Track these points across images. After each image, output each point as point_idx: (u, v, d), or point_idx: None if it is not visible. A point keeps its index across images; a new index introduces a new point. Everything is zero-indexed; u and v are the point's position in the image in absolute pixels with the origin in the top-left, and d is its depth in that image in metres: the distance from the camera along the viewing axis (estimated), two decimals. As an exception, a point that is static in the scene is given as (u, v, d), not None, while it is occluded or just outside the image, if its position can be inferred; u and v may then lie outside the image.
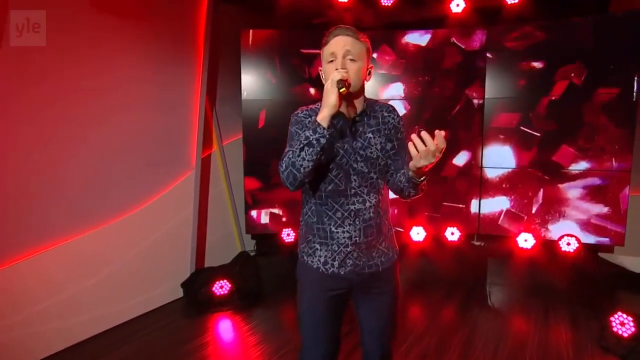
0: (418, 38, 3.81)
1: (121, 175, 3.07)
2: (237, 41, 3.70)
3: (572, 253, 3.52)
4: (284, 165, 1.39)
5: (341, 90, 1.33)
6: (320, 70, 1.55)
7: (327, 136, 1.35)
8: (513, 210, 3.72)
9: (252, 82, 3.74)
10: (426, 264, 3.92)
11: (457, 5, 3.80)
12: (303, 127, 1.48)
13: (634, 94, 3.32)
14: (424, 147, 1.29)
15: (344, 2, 3.82)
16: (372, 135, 1.52)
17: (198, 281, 3.46)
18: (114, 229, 3.03)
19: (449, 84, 3.78)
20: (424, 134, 1.29)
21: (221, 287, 3.39)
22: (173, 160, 3.46)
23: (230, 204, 4.13)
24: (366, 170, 1.50)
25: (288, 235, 3.89)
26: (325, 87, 1.37)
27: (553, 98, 3.53)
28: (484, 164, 3.76)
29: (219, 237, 4.04)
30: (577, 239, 3.50)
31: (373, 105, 1.58)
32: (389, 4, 3.87)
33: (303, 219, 1.63)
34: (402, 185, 1.52)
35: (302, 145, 1.35)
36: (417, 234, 3.92)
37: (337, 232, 1.52)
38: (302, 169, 1.36)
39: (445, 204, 3.89)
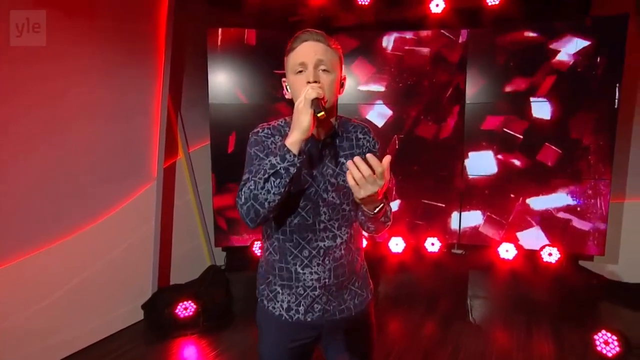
0: (399, 40, 3.62)
1: (73, 189, 2.76)
2: (205, 41, 3.43)
3: (554, 264, 3.42)
4: (243, 197, 1.18)
5: (319, 115, 1.13)
6: (284, 82, 1.32)
7: (298, 164, 1.15)
8: (494, 217, 3.58)
9: (220, 84, 3.48)
10: (406, 277, 3.75)
11: (437, 5, 3.63)
12: (265, 150, 1.28)
13: (616, 101, 3.25)
14: (359, 175, 1.09)
15: (319, 0, 3.60)
16: (344, 161, 1.31)
17: (160, 302, 3.19)
18: (66, 247, 2.73)
19: (430, 87, 3.61)
20: (357, 159, 1.09)
21: (185, 308, 3.13)
22: (131, 170, 3.17)
23: (198, 214, 3.86)
24: (338, 202, 1.31)
25: (260, 247, 3.66)
26: (296, 105, 1.17)
27: (535, 101, 3.41)
28: (468, 171, 3.61)
29: (187, 251, 3.77)
30: (559, 249, 3.40)
31: (346, 125, 1.38)
32: (366, 3, 3.66)
33: (264, 256, 1.42)
34: (360, 218, 1.33)
35: (266, 175, 1.15)
36: (396, 244, 3.74)
37: (304, 274, 1.31)
38: (266, 203, 1.16)
39: (421, 221, 3.73)
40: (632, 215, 3.54)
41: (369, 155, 1.08)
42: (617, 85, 3.23)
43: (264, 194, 1.14)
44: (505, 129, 3.50)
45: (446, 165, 3.63)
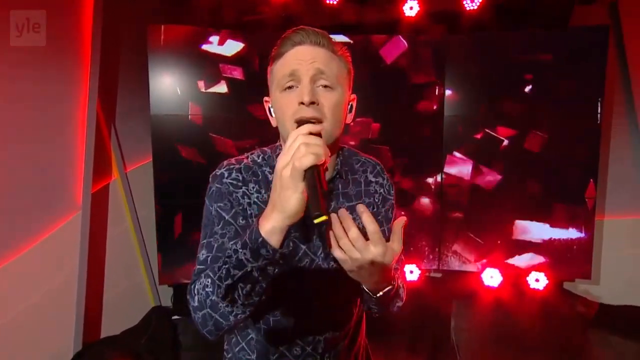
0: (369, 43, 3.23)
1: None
2: (145, 40, 2.85)
3: (541, 291, 3.16)
4: (196, 299, 0.83)
5: (316, 220, 0.71)
6: (267, 103, 0.98)
7: (280, 261, 0.79)
8: (475, 238, 3.26)
9: (163, 91, 2.91)
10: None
11: (411, 8, 3.30)
12: (234, 208, 0.91)
13: (598, 115, 3.08)
14: (341, 235, 0.80)
15: (281, -3, 3.15)
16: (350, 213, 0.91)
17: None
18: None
19: (404, 98, 3.24)
20: (342, 212, 0.81)
21: (121, 371, 2.51)
22: (49, 200, 2.51)
23: (138, 245, 3.22)
24: (342, 274, 0.89)
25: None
26: (278, 170, 0.75)
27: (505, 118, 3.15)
28: (445, 182, 3.26)
29: (124, 290, 3.11)
30: (547, 274, 3.15)
31: (351, 162, 1.05)
32: (334, 3, 3.26)
33: (230, 351, 1.03)
34: (362, 296, 0.97)
35: (230, 278, 0.77)
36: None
37: None
38: (231, 317, 0.81)
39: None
40: (613, 234, 3.38)
41: (359, 206, 0.80)
42: (599, 99, 3.07)
43: (227, 305, 0.79)
44: (481, 144, 3.20)
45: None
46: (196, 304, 0.82)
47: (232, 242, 0.81)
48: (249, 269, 0.76)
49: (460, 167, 3.24)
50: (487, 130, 3.18)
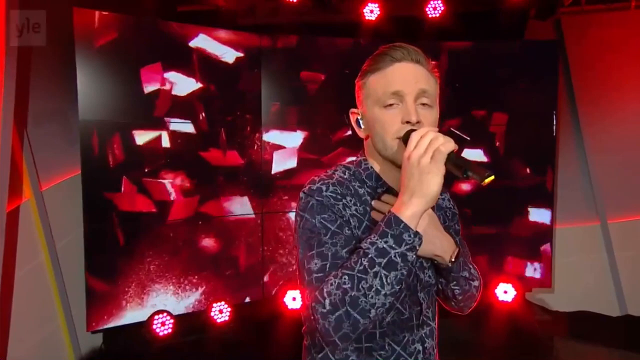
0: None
1: None
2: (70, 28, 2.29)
3: (510, 303, 3.12)
4: (328, 302, 0.83)
5: (486, 181, 0.80)
6: (355, 115, 1.03)
7: (418, 247, 0.86)
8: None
9: (93, 93, 2.37)
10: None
11: (372, 11, 3.13)
12: (338, 220, 0.92)
13: (554, 127, 3.19)
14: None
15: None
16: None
17: None
18: None
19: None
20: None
21: None
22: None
23: (56, 284, 2.54)
24: (433, 282, 1.03)
25: (162, 325, 2.57)
26: (416, 160, 0.84)
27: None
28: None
29: (35, 345, 2.43)
30: (515, 286, 3.12)
31: None
32: (294, 0, 2.97)
33: None
34: (442, 290, 1.05)
35: (374, 266, 0.82)
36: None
37: None
38: (372, 310, 0.82)
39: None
40: (563, 241, 3.48)
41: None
42: (554, 112, 3.18)
43: (370, 297, 0.82)
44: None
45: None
46: (328, 307, 0.83)
47: (362, 242, 0.86)
48: (392, 255, 0.82)
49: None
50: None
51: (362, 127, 1.00)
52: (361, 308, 0.81)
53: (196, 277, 2.72)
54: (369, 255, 0.82)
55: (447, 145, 0.82)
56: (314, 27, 3.11)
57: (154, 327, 2.55)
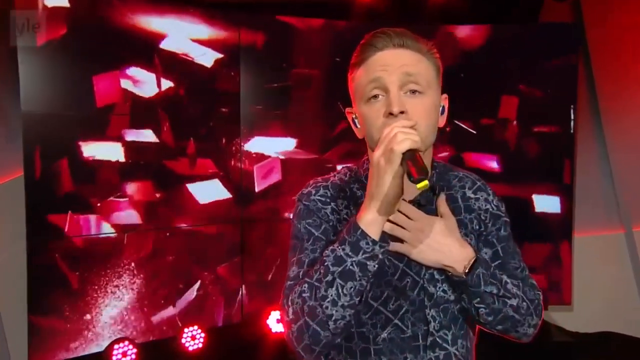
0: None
1: None
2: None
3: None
4: (291, 310, 0.83)
5: (418, 185, 0.74)
6: (350, 114, 0.96)
7: (380, 255, 0.82)
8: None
9: (38, 81, 2.12)
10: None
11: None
12: (323, 224, 0.91)
13: (571, 122, 2.89)
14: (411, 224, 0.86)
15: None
16: None
17: None
18: None
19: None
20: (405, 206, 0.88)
21: None
22: None
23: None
24: (452, 298, 0.90)
25: (124, 355, 2.25)
26: (375, 160, 0.80)
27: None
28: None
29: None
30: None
31: (447, 177, 1.00)
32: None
33: None
34: (475, 314, 0.89)
35: (329, 275, 0.80)
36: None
37: None
38: (330, 322, 0.79)
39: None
40: (582, 252, 3.13)
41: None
42: (572, 106, 2.89)
43: (325, 307, 0.79)
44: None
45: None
46: (291, 316, 0.83)
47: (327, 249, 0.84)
48: (348, 264, 0.79)
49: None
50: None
51: (358, 126, 0.95)
52: (319, 319, 0.79)
53: (163, 297, 2.40)
54: (326, 263, 0.81)
55: (401, 144, 0.76)
56: (297, 5, 2.81)
57: (114, 359, 2.23)
